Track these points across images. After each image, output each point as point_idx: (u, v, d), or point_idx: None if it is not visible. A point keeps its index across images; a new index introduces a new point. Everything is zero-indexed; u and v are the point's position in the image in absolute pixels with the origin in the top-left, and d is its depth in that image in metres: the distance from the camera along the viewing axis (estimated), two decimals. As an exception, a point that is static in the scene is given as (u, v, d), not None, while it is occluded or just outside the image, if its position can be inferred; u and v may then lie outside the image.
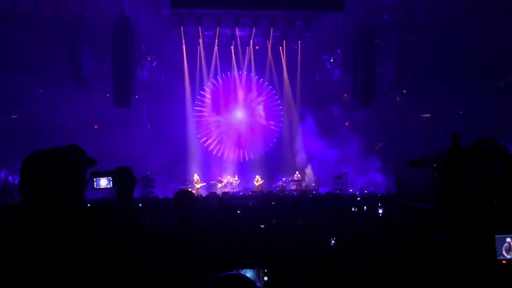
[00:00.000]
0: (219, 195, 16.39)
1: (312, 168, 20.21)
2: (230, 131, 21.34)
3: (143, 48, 19.12)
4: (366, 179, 19.31)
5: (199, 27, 19.61)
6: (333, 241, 4.37)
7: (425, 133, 18.74)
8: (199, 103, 21.21)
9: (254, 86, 21.54)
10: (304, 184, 19.66)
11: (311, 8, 17.64)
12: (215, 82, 21.27)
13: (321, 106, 20.86)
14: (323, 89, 21.42)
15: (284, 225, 5.60)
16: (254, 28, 19.89)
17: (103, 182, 2.20)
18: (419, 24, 18.98)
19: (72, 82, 17.44)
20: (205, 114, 21.33)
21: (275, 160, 20.88)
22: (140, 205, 8.29)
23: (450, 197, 3.89)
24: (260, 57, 21.21)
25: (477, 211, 3.63)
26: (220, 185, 19.31)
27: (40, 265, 1.58)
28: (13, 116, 18.75)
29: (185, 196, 3.35)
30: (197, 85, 20.87)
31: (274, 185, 19.72)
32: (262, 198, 12.07)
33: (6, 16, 16.72)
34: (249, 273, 2.86)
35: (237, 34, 20.18)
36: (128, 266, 1.87)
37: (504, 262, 3.06)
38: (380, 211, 7.58)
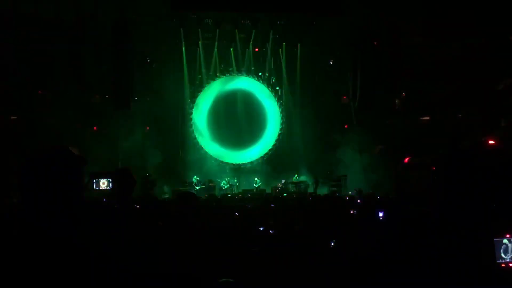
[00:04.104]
0: (217, 197, 16.36)
1: (311, 170, 20.19)
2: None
3: (143, 50, 19.10)
4: (365, 181, 19.28)
5: (199, 29, 19.62)
6: (332, 243, 4.37)
7: (424, 136, 18.71)
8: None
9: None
10: (303, 186, 19.64)
11: (310, 12, 17.70)
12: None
13: (321, 109, 20.86)
14: (322, 91, 21.42)
15: (282, 228, 5.60)
16: (253, 31, 19.90)
17: (103, 183, 2.21)
18: (418, 27, 18.99)
19: (72, 84, 17.41)
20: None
21: (274, 162, 20.86)
22: (137, 206, 8.22)
23: (449, 199, 3.89)
24: (259, 59, 21.22)
25: (476, 213, 3.64)
26: (219, 187, 19.27)
27: (39, 264, 1.58)
28: (12, 117, 18.69)
29: (187, 198, 3.36)
30: (197, 87, 20.86)
31: (273, 187, 19.70)
32: (261, 200, 12.06)
33: (6, 18, 16.70)
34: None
35: (237, 37, 20.18)
36: (126, 266, 1.88)
37: (503, 265, 3.06)
38: (380, 213, 7.56)
